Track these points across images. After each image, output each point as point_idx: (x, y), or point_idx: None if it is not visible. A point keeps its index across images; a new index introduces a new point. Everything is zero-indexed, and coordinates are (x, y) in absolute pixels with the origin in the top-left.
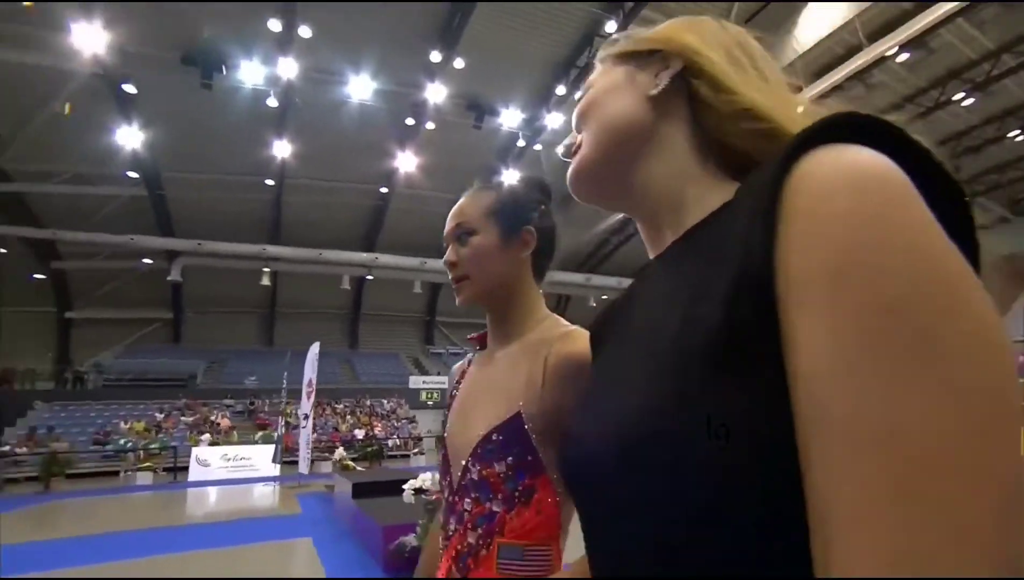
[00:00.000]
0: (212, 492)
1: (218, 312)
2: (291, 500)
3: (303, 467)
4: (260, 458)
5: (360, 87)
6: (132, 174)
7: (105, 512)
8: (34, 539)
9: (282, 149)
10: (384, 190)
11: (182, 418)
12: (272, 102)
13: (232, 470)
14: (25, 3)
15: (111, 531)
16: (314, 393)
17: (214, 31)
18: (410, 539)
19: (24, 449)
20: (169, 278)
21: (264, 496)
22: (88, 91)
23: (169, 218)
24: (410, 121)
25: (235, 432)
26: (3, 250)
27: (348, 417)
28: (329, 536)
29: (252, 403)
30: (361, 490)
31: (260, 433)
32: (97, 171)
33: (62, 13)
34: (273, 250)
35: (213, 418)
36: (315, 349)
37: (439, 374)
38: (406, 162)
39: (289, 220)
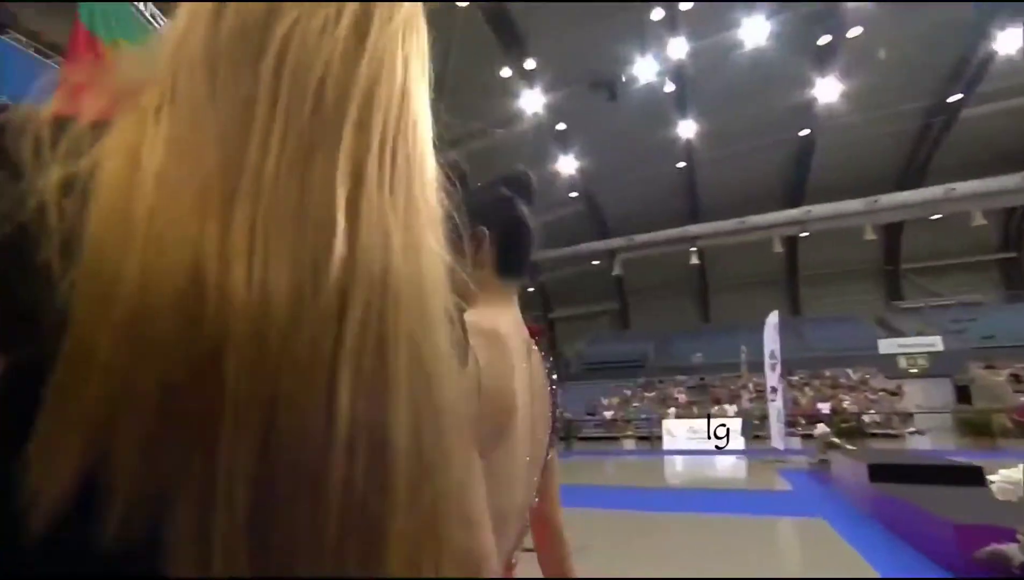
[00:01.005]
0: (684, 461)
1: (656, 296)
2: (770, 474)
3: (777, 442)
4: (714, 430)
5: (753, 31)
6: (572, 194)
7: (612, 470)
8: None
9: (686, 129)
10: (804, 132)
11: (645, 394)
12: (669, 87)
13: (696, 441)
14: None
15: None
16: (779, 365)
17: (613, 45)
18: (1015, 550)
19: None
20: (614, 273)
21: (739, 469)
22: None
23: (605, 223)
24: (825, 39)
25: (694, 407)
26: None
27: (806, 389)
28: (845, 519)
29: (702, 379)
30: (881, 473)
31: (715, 407)
32: (547, 198)
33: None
34: (695, 229)
35: (671, 393)
36: (773, 318)
37: (919, 335)
38: (827, 91)
39: (705, 197)
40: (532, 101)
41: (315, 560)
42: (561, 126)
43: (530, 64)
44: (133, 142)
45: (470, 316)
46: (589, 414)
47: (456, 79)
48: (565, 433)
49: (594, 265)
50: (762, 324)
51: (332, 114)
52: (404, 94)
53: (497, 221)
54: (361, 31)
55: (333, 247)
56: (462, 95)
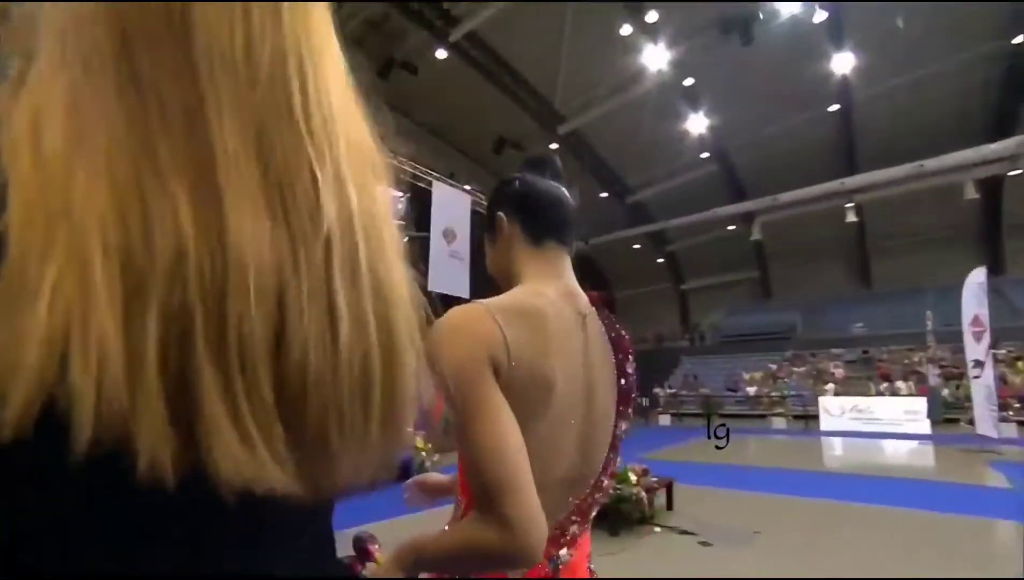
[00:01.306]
0: (849, 444)
1: (803, 261)
2: (979, 467)
3: (988, 427)
4: (886, 411)
5: None
6: (703, 155)
7: (755, 450)
8: (693, 460)
9: (842, 63)
10: (1020, 40)
11: (793, 369)
12: (819, 16)
13: (863, 422)
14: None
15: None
16: (987, 333)
17: None
18: None
19: (684, 392)
20: (752, 238)
21: (924, 456)
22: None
23: (740, 184)
24: None
25: (851, 382)
26: (639, 246)
27: (1019, 364)
28: None
29: (866, 351)
30: None
31: (884, 384)
32: (675, 161)
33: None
34: (854, 181)
35: (825, 367)
36: (978, 276)
37: None
38: None
39: (866, 142)
40: (655, 57)
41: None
42: (689, 81)
43: (652, 17)
44: (36, 105)
45: (507, 296)
46: (730, 390)
47: (572, 45)
48: (705, 409)
49: (729, 231)
50: (947, 287)
51: (267, 91)
52: (316, 70)
53: (509, 200)
54: (269, 18)
55: (301, 198)
56: (580, 60)
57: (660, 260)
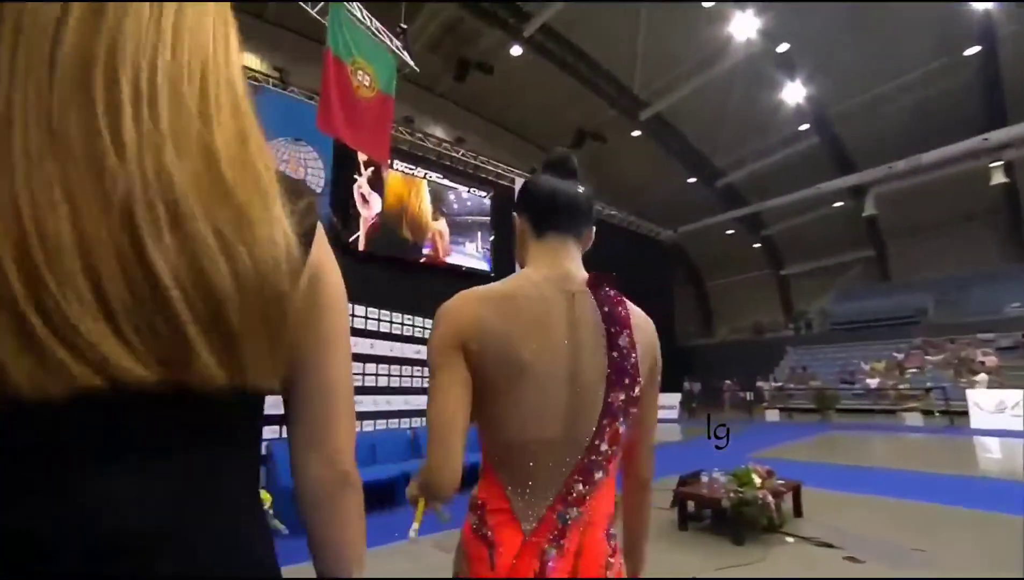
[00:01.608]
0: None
1: (930, 236)
2: None
3: None
4: None
5: None
6: (803, 127)
7: (887, 449)
8: (814, 460)
9: None
10: None
11: (926, 357)
12: None
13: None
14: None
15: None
16: None
17: None
18: None
19: (791, 385)
20: (865, 214)
21: None
22: (747, 64)
23: (846, 154)
24: None
25: (1007, 372)
26: (732, 231)
27: None
28: None
29: None
30: None
31: None
32: (771, 137)
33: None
34: (999, 135)
35: (970, 355)
36: None
37: None
38: None
39: (1016, 89)
40: (744, 25)
41: None
42: (783, 47)
43: None
44: None
45: (498, 282)
46: (845, 382)
47: (650, 24)
48: (819, 403)
49: (835, 208)
50: None
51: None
52: (156, 43)
53: (520, 201)
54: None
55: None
56: (659, 39)
57: (756, 245)
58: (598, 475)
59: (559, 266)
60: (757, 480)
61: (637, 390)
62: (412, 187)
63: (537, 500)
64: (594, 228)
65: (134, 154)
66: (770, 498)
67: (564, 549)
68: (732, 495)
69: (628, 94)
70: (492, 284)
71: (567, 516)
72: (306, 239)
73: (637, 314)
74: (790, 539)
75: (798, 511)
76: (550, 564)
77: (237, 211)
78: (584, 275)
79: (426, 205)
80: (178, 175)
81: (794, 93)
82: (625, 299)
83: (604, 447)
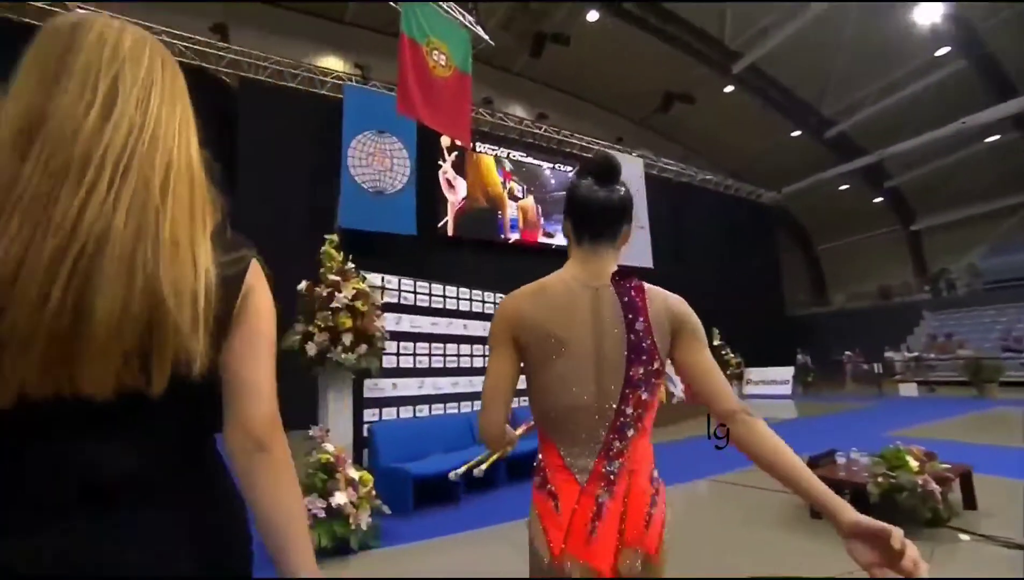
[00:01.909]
0: None
1: None
2: None
3: None
4: None
5: None
6: (941, 51)
7: None
8: (978, 442)
9: None
10: None
11: None
12: None
13: None
14: None
15: None
16: None
17: None
18: None
19: (932, 355)
20: None
21: None
22: None
23: (1005, 76)
24: None
25: None
26: (846, 186)
27: None
28: None
29: None
30: None
31: None
32: (895, 72)
33: None
34: None
35: None
36: None
37: None
38: None
39: None
40: None
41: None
42: None
43: None
44: None
45: (536, 282)
46: (1010, 350)
47: None
48: (974, 376)
49: (987, 143)
50: None
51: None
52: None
53: (566, 207)
54: (109, 103)
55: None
56: None
57: (877, 200)
58: (630, 432)
59: (588, 268)
60: (914, 463)
61: (656, 364)
62: (496, 168)
63: (585, 456)
64: (631, 225)
65: (88, 220)
66: (933, 485)
67: (615, 493)
68: (881, 480)
69: (718, 47)
70: (533, 282)
71: (611, 467)
72: (238, 272)
73: (656, 298)
74: (965, 536)
75: (969, 502)
76: (604, 506)
77: (168, 253)
78: (610, 271)
79: (512, 185)
80: (123, 229)
81: (928, 12)
82: (645, 288)
83: (630, 411)
